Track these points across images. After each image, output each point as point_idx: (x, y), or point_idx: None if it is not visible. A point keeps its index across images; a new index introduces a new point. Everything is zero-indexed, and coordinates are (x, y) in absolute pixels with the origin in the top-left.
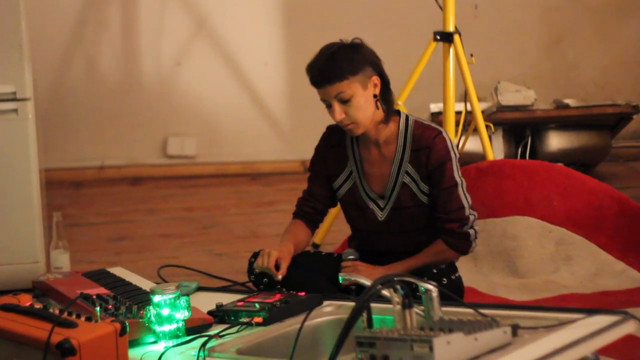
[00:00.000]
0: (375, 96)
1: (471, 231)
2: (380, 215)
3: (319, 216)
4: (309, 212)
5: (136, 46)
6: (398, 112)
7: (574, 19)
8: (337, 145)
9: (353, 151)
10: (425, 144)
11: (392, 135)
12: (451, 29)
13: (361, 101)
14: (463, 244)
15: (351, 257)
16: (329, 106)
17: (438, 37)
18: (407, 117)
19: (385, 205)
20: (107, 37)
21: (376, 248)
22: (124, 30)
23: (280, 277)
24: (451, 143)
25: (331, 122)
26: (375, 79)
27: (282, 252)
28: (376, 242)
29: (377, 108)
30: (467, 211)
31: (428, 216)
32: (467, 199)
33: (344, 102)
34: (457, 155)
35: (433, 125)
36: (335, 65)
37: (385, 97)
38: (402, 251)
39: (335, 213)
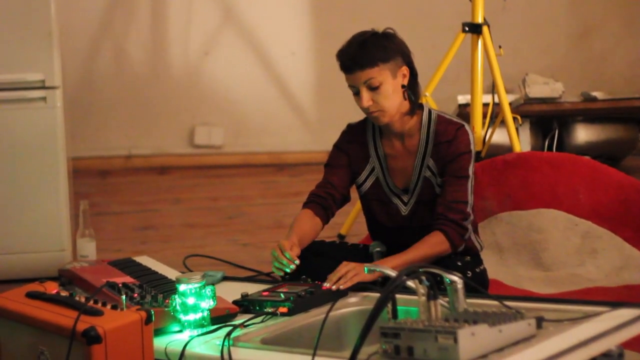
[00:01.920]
0: (403, 86)
1: (469, 227)
2: (404, 210)
3: (333, 204)
4: (324, 198)
5: (164, 36)
6: (421, 106)
7: (602, 11)
8: (357, 142)
9: (375, 147)
10: (447, 137)
11: (415, 128)
12: (480, 20)
13: (389, 89)
14: (459, 238)
15: (378, 249)
16: (357, 93)
17: (467, 29)
18: (430, 111)
19: (409, 199)
20: (135, 26)
21: (398, 242)
22: (152, 20)
23: (297, 263)
24: (472, 138)
25: (356, 115)
26: (405, 70)
27: (290, 242)
28: (398, 237)
29: (405, 99)
30: (469, 208)
31: None
32: (471, 198)
33: (373, 89)
34: (474, 152)
35: (456, 119)
36: (367, 51)
37: (412, 88)
38: None
39: (359, 204)
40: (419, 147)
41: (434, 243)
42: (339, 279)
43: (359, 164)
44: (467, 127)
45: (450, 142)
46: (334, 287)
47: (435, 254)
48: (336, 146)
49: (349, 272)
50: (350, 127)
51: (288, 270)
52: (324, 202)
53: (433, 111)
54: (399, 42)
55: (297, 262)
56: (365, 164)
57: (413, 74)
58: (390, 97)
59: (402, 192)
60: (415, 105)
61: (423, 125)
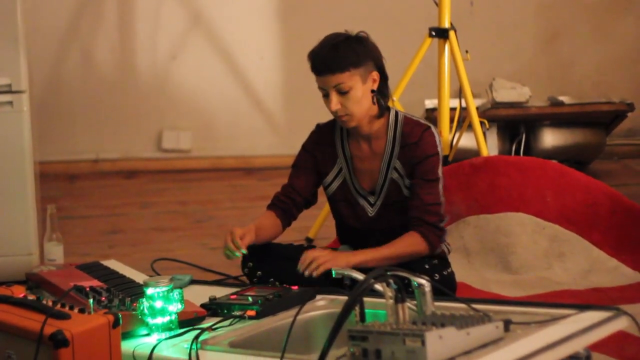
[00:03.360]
0: (373, 91)
1: (445, 230)
2: (371, 211)
3: (294, 208)
4: (284, 202)
5: (132, 40)
6: (388, 108)
7: (569, 16)
8: (326, 143)
9: (343, 148)
10: (413, 139)
11: (382, 130)
12: (447, 25)
13: (359, 94)
14: (437, 240)
15: None
16: (326, 95)
17: (433, 33)
18: (396, 113)
19: (375, 201)
20: (103, 30)
21: (366, 245)
22: (120, 24)
23: (243, 251)
24: (439, 140)
25: (324, 119)
26: (375, 75)
27: (245, 229)
28: (366, 239)
29: (374, 103)
30: (442, 210)
31: None
32: (443, 199)
33: (342, 93)
34: (442, 153)
35: (422, 121)
36: (339, 55)
37: (382, 92)
38: None
39: (328, 207)
40: (386, 149)
41: (411, 243)
42: (310, 263)
43: (326, 165)
44: (433, 128)
45: (417, 144)
46: (306, 273)
47: (410, 254)
48: (304, 147)
49: (319, 258)
50: (319, 127)
51: (236, 256)
52: (284, 206)
53: (400, 113)
54: (371, 47)
55: (244, 251)
56: (333, 165)
57: (383, 79)
58: (359, 102)
59: (369, 194)
60: (383, 109)
61: (390, 128)
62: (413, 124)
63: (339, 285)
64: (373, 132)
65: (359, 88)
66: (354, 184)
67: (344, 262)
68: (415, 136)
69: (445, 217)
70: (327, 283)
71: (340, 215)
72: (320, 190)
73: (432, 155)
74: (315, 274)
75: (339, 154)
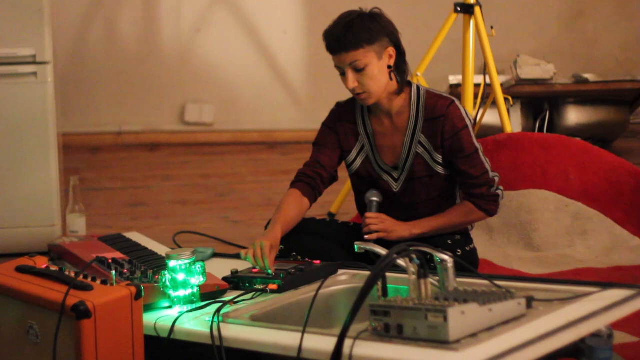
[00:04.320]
0: (389, 67)
1: (499, 192)
2: (395, 187)
3: (321, 184)
4: (312, 177)
5: (156, 12)
6: (409, 83)
7: None
8: (347, 120)
9: (364, 125)
10: (439, 113)
11: (404, 105)
12: (472, 0)
13: (375, 71)
14: (492, 205)
15: (375, 198)
16: (343, 74)
17: (459, 9)
18: (418, 88)
19: (399, 176)
20: (127, 2)
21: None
22: None
23: (270, 273)
24: (465, 111)
25: (347, 94)
26: (391, 50)
27: (272, 239)
28: (390, 215)
29: (391, 79)
30: (491, 174)
31: (442, 186)
32: (487, 162)
33: (358, 70)
34: (472, 122)
35: (444, 94)
36: (352, 33)
37: (400, 68)
38: None
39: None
40: (409, 123)
41: (465, 212)
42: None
43: (348, 142)
44: (457, 101)
45: (445, 119)
46: (365, 230)
47: (467, 222)
48: (325, 124)
49: (383, 224)
50: (339, 105)
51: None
52: (311, 182)
53: (422, 87)
54: (385, 23)
55: (271, 271)
56: (355, 142)
57: (400, 54)
58: (376, 79)
59: (392, 169)
60: (403, 84)
61: (412, 103)
62: (437, 98)
63: (361, 257)
64: (394, 108)
65: (375, 64)
66: (377, 160)
67: (406, 233)
68: (440, 110)
69: (496, 178)
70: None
71: (363, 191)
72: (342, 165)
73: (463, 129)
74: (369, 237)
75: (360, 131)
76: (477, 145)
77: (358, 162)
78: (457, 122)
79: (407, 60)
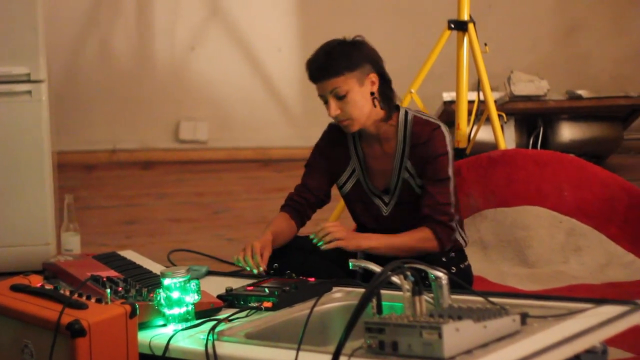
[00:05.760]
0: (372, 94)
1: (455, 230)
2: (385, 211)
3: (308, 209)
4: (299, 202)
5: (150, 30)
6: (398, 108)
7: (588, 9)
8: (339, 143)
9: (356, 148)
10: (424, 139)
11: (391, 131)
12: (466, 17)
13: (357, 97)
14: (448, 239)
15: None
16: (326, 102)
17: (452, 26)
18: (406, 113)
19: (390, 200)
20: (121, 20)
21: None
22: (138, 14)
23: (262, 269)
24: (450, 138)
25: None
26: (374, 77)
27: (263, 241)
28: (387, 230)
29: (375, 106)
30: (453, 209)
31: None
32: (455, 198)
33: (340, 97)
34: (453, 151)
35: (432, 120)
36: (332, 60)
37: (385, 95)
38: None
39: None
40: (397, 149)
41: (422, 238)
42: (325, 235)
43: (339, 165)
44: (443, 127)
45: (426, 143)
46: (316, 242)
47: (420, 249)
48: (317, 146)
49: (335, 233)
50: (331, 127)
51: (254, 272)
52: (298, 207)
53: (410, 112)
54: (367, 50)
55: (262, 268)
56: (346, 166)
57: (384, 81)
58: (358, 105)
59: (383, 193)
60: (390, 111)
61: (399, 128)
62: (422, 124)
63: (352, 274)
64: (382, 134)
65: (357, 91)
66: (368, 184)
67: (356, 244)
68: (424, 136)
69: (456, 216)
70: (337, 264)
71: (355, 214)
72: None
73: (442, 155)
74: (324, 247)
75: (351, 155)
76: (451, 175)
77: (349, 185)
78: (438, 146)
79: (393, 87)
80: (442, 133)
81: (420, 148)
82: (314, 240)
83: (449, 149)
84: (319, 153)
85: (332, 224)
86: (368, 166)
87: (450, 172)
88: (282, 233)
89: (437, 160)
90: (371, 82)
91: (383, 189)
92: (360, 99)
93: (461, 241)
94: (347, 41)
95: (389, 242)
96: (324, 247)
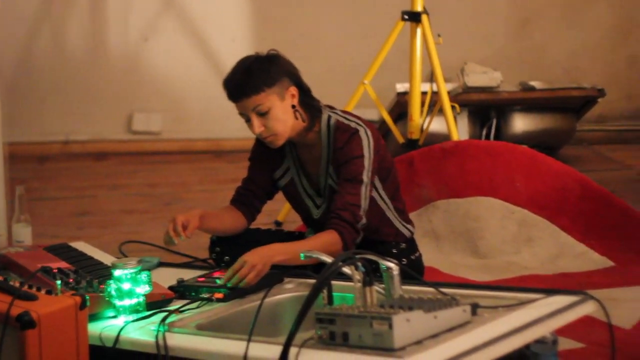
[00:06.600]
0: (293, 106)
1: (361, 233)
2: (316, 214)
3: (256, 200)
4: (244, 195)
5: (103, 21)
6: (320, 112)
7: (542, 2)
8: None
9: (290, 148)
10: (341, 143)
11: (316, 138)
12: (419, 8)
13: (279, 113)
14: (352, 241)
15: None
16: (248, 120)
17: (406, 17)
18: (329, 118)
19: (321, 203)
20: (74, 11)
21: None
22: (91, 5)
23: (183, 238)
24: (369, 143)
25: None
26: (293, 90)
27: (187, 215)
28: (319, 231)
29: (297, 118)
30: (362, 212)
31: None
32: (365, 203)
33: (262, 114)
34: (372, 157)
35: (354, 123)
36: (251, 78)
37: (306, 104)
38: None
39: None
40: (322, 155)
41: (329, 242)
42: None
43: (275, 162)
44: (363, 131)
45: (343, 147)
46: (228, 285)
47: (328, 253)
48: (257, 140)
49: (242, 272)
50: None
51: (174, 244)
52: (244, 200)
53: (332, 117)
54: (283, 64)
55: (183, 237)
56: (281, 163)
57: (303, 92)
58: (281, 120)
59: (316, 195)
60: (313, 120)
61: (322, 135)
62: (343, 129)
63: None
64: (308, 141)
65: (278, 106)
66: (303, 183)
67: (268, 263)
68: (343, 140)
69: (363, 221)
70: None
71: (295, 208)
72: None
73: (356, 158)
74: (246, 282)
75: (287, 153)
76: (366, 180)
77: (283, 182)
78: (354, 149)
79: (313, 95)
80: (360, 137)
81: (338, 152)
82: (228, 285)
83: (366, 152)
84: (259, 146)
85: (242, 258)
86: (303, 166)
87: (366, 176)
88: (217, 217)
89: (351, 162)
90: (291, 95)
91: (316, 190)
92: (282, 114)
93: (405, 232)
94: (263, 56)
95: (296, 251)
96: (246, 283)
